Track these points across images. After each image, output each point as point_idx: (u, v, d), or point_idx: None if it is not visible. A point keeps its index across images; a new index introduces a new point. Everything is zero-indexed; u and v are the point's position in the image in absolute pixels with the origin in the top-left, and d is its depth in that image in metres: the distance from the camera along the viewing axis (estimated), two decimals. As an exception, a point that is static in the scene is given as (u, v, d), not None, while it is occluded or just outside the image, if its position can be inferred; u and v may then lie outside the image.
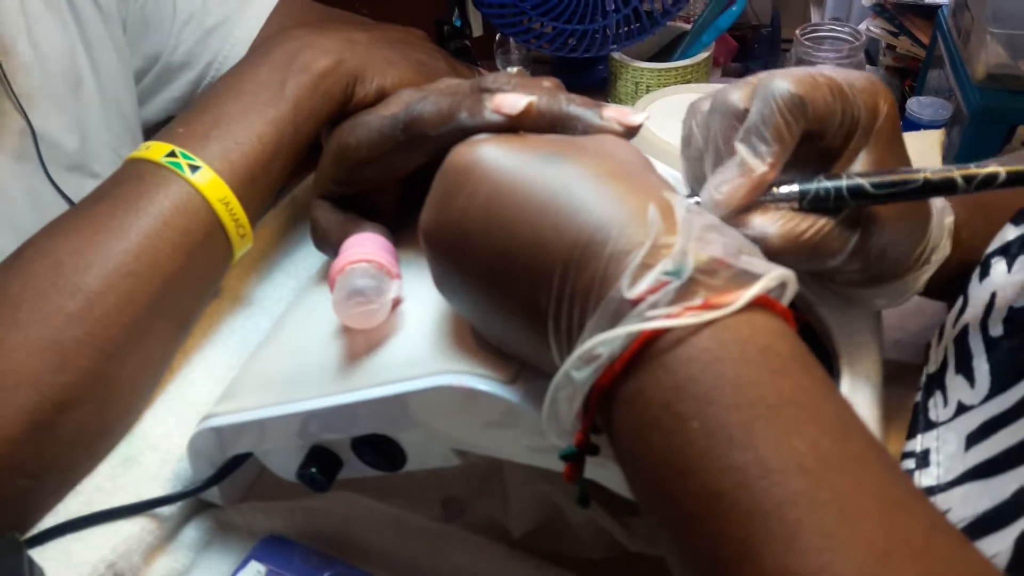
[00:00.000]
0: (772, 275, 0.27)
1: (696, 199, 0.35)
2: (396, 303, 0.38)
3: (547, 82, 0.38)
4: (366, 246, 0.39)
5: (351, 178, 0.42)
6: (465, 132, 0.35)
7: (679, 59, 0.78)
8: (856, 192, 0.34)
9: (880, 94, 0.35)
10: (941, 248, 0.39)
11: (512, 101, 0.35)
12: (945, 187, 0.33)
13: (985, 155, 0.62)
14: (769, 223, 0.34)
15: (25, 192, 0.58)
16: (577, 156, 0.30)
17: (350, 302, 0.37)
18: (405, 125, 0.38)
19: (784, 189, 0.34)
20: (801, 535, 0.23)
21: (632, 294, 0.26)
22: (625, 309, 0.26)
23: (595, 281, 0.28)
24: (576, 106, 0.35)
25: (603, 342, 0.27)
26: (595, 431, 0.29)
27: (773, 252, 0.33)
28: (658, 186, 0.30)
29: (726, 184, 0.34)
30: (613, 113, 0.35)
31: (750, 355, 0.26)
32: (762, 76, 0.35)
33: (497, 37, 0.84)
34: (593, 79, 0.85)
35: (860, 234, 0.35)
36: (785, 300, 0.28)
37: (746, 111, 0.34)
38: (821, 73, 0.34)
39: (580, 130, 0.35)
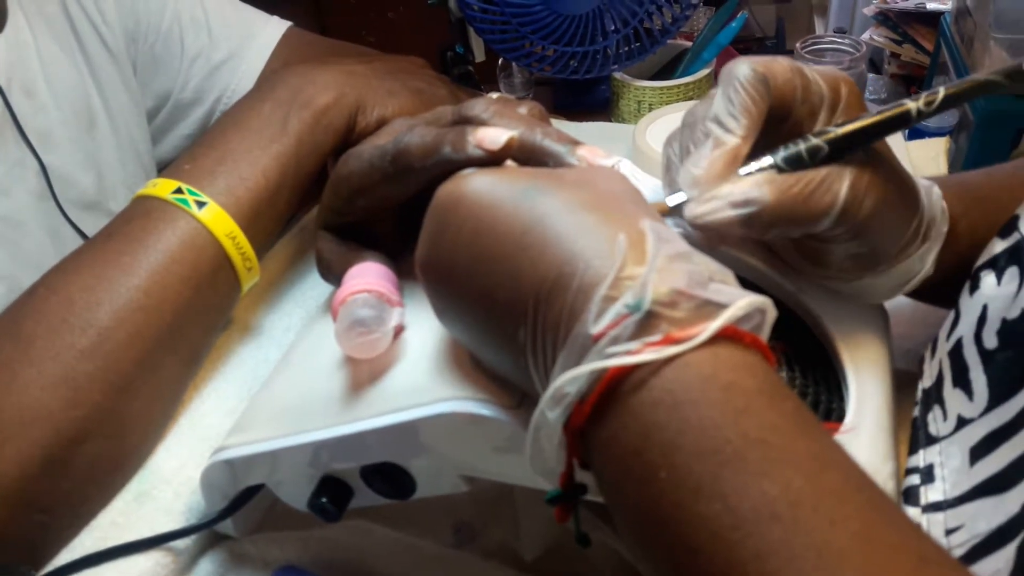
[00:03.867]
0: (740, 304, 0.26)
1: (677, 195, 0.35)
2: (399, 331, 0.39)
3: (524, 107, 0.38)
4: (367, 276, 0.40)
5: (346, 208, 0.42)
6: (450, 165, 0.36)
7: (681, 76, 0.78)
8: (832, 140, 0.35)
9: (839, 77, 0.36)
10: (938, 224, 0.39)
11: (493, 136, 0.35)
12: (902, 118, 0.35)
13: (994, 161, 0.62)
14: (756, 187, 0.34)
15: (46, 230, 0.59)
16: (555, 189, 0.30)
17: (352, 332, 0.37)
18: (393, 157, 0.39)
19: (759, 164, 0.35)
20: None
21: (595, 329, 0.26)
22: (589, 345, 0.26)
23: (563, 316, 0.27)
24: (550, 141, 0.36)
25: (569, 380, 0.26)
26: (583, 467, 0.28)
27: (770, 212, 0.33)
28: (635, 215, 0.29)
29: (702, 160, 0.34)
30: (585, 153, 0.35)
31: (713, 395, 0.25)
32: (722, 69, 0.36)
33: (500, 61, 0.84)
34: (596, 99, 0.85)
35: (849, 183, 0.35)
36: (764, 330, 0.27)
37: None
38: (779, 57, 0.36)
39: (551, 165, 0.35)
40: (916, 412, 0.40)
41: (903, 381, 0.42)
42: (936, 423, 0.38)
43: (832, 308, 0.42)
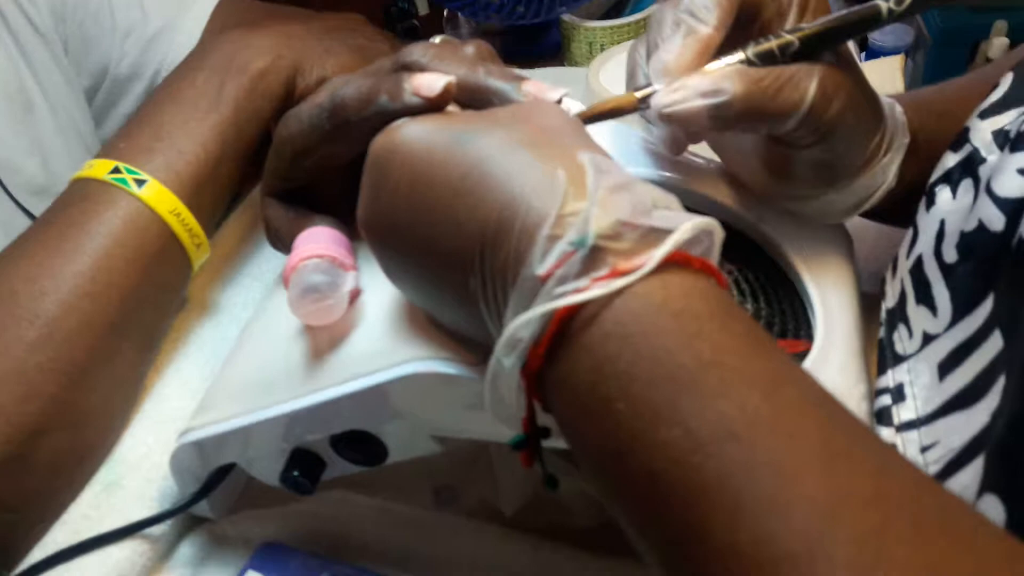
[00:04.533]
0: (684, 228, 0.25)
1: (646, 89, 0.35)
2: (355, 295, 0.38)
3: (470, 47, 0.37)
4: (318, 241, 0.39)
5: (291, 172, 0.41)
6: (387, 115, 0.34)
7: (631, 14, 0.77)
8: (804, 38, 0.35)
9: None
10: (899, 136, 0.39)
11: (429, 82, 0.34)
12: (873, 15, 0.35)
13: (952, 75, 0.62)
14: (726, 78, 0.33)
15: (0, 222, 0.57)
16: (490, 129, 0.29)
17: (305, 299, 0.36)
18: (330, 112, 0.37)
19: (729, 59, 0.35)
20: (744, 505, 0.22)
21: (542, 270, 0.25)
22: (537, 287, 0.25)
23: (509, 259, 0.26)
24: (495, 79, 0.34)
25: (521, 325, 0.25)
26: (547, 410, 0.28)
27: (738, 103, 0.33)
28: (572, 148, 0.28)
29: (673, 49, 0.33)
30: (531, 88, 0.34)
31: (664, 322, 0.24)
32: None
33: (445, 13, 0.82)
34: (547, 44, 0.84)
35: (817, 81, 0.34)
36: (713, 253, 0.26)
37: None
38: None
39: (498, 104, 0.34)
40: (882, 333, 0.40)
41: (870, 304, 0.42)
42: (902, 342, 0.38)
43: (795, 234, 0.42)
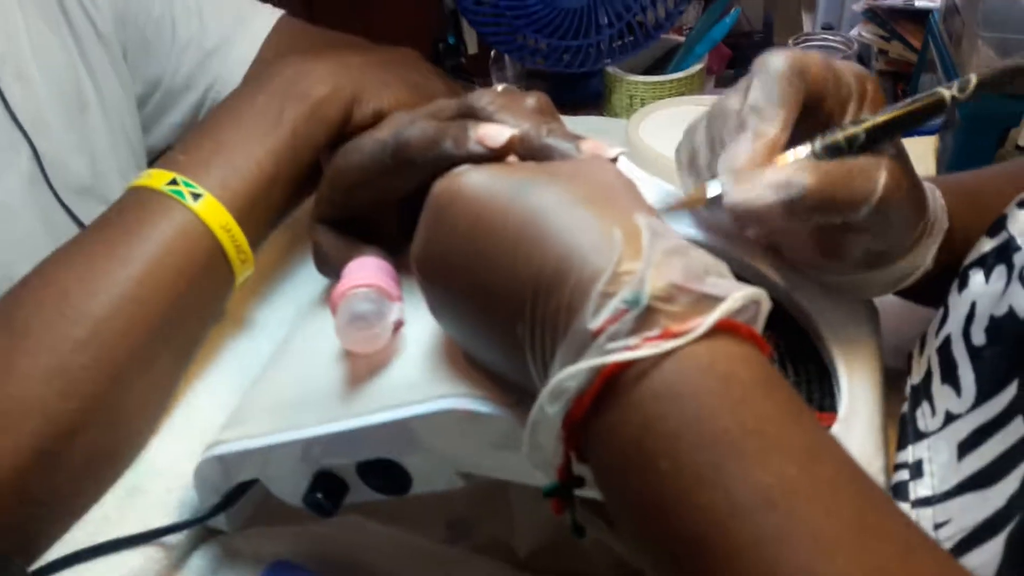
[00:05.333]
0: (735, 296, 0.26)
1: (715, 184, 0.35)
2: (398, 326, 0.39)
3: (532, 99, 0.38)
4: (367, 270, 0.39)
5: (346, 201, 0.42)
6: (450, 160, 0.35)
7: (673, 71, 0.78)
8: (870, 129, 0.36)
9: (864, 72, 0.37)
10: (940, 220, 0.40)
11: (495, 134, 0.35)
12: (937, 104, 0.36)
13: (980, 160, 0.63)
14: (798, 173, 0.34)
15: (39, 216, 0.59)
16: (550, 183, 0.30)
17: (352, 327, 0.37)
18: (393, 151, 0.38)
19: (796, 152, 0.36)
20: (778, 573, 0.22)
21: (594, 325, 0.26)
22: (588, 341, 0.26)
23: (562, 311, 0.27)
24: (555, 138, 0.35)
25: (569, 376, 0.26)
26: (581, 460, 0.29)
27: (811, 197, 0.34)
28: (629, 209, 0.29)
29: (742, 151, 0.34)
30: (590, 147, 0.35)
31: (712, 385, 0.25)
32: (755, 62, 0.36)
33: (492, 54, 0.84)
34: (588, 93, 0.85)
35: (887, 173, 0.35)
36: (759, 322, 0.27)
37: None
38: (809, 51, 0.36)
39: (557, 159, 0.35)
40: (905, 408, 0.41)
41: (892, 378, 0.43)
42: (925, 419, 0.38)
43: (824, 306, 0.42)
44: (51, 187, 0.59)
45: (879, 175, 0.35)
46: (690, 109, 0.70)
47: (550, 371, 0.27)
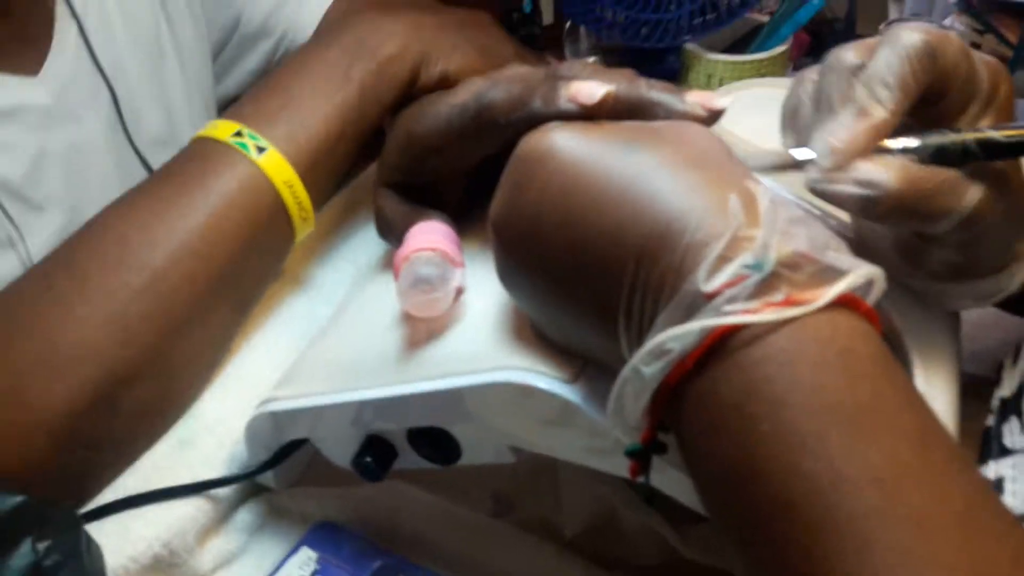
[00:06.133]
0: (860, 272, 0.26)
1: (805, 151, 0.33)
2: (459, 292, 0.38)
3: (623, 72, 0.36)
4: (432, 235, 0.39)
5: (418, 167, 0.41)
6: (537, 120, 0.34)
7: (755, 52, 0.75)
8: (986, 144, 0.32)
9: (1002, 72, 0.34)
10: None
11: (590, 89, 0.34)
12: None
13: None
14: (885, 169, 0.31)
15: (114, 163, 0.59)
16: (655, 144, 0.29)
17: (415, 290, 0.36)
18: (476, 113, 0.37)
19: (901, 142, 0.33)
20: (874, 551, 0.22)
21: (709, 287, 0.25)
22: (700, 303, 0.25)
23: (670, 273, 0.26)
24: (657, 91, 0.34)
25: (675, 337, 0.25)
26: (663, 429, 0.28)
27: (890, 200, 0.31)
28: (740, 175, 0.28)
29: (842, 129, 0.32)
30: (696, 98, 0.33)
31: (829, 358, 0.24)
32: (887, 30, 0.33)
33: (567, 26, 0.82)
34: (665, 70, 0.83)
35: (982, 194, 0.32)
36: (872, 299, 0.26)
37: (862, 67, 0.32)
38: (951, 33, 0.33)
39: (661, 116, 0.33)
40: (990, 421, 0.39)
41: (966, 383, 0.41)
42: (1012, 435, 0.36)
43: (904, 303, 0.40)
44: (128, 135, 0.59)
45: (971, 194, 0.32)
46: (770, 92, 0.67)
47: (646, 335, 0.27)
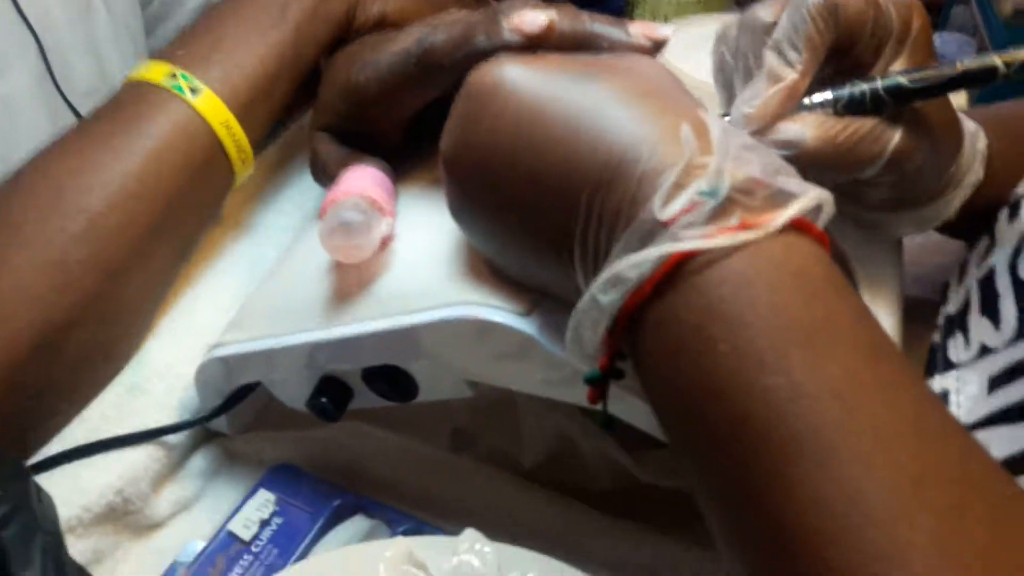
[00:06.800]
0: (811, 195, 0.26)
1: (726, 116, 0.34)
2: (386, 241, 0.38)
3: (565, 7, 0.36)
4: (361, 180, 0.38)
5: (359, 115, 0.41)
6: (482, 56, 0.34)
7: (698, -12, 0.75)
8: (893, 90, 0.33)
9: (913, 7, 0.34)
10: (974, 171, 0.39)
11: (532, 18, 0.34)
12: (985, 74, 0.33)
13: (1013, 94, 0.60)
14: (804, 127, 0.32)
15: (45, 114, 0.57)
16: (607, 75, 0.29)
17: (336, 234, 0.36)
18: (418, 58, 0.37)
19: (817, 98, 0.33)
20: (834, 461, 0.22)
21: (664, 215, 0.25)
22: (657, 230, 0.26)
23: (625, 202, 0.27)
24: (600, 24, 0.34)
25: (632, 264, 0.26)
26: (620, 357, 0.28)
27: (809, 157, 0.32)
28: (691, 105, 0.29)
29: (756, 97, 0.32)
30: (639, 28, 0.34)
31: (784, 279, 0.25)
32: None
33: (509, -35, 0.81)
34: (609, 9, 0.82)
35: (899, 138, 0.33)
36: (821, 222, 0.27)
37: (775, 25, 0.33)
38: None
39: (606, 48, 0.34)
40: (936, 337, 0.40)
41: (909, 306, 0.42)
42: (956, 349, 0.38)
43: (845, 231, 0.41)
44: (57, 86, 0.57)
45: (891, 138, 0.33)
46: (714, 28, 0.67)
47: (603, 264, 0.27)
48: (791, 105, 0.33)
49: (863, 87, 0.33)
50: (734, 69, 0.35)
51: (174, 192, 0.42)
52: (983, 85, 0.33)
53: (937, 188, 0.38)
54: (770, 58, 0.33)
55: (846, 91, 0.33)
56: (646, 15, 0.75)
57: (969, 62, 0.33)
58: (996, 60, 0.32)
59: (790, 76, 0.32)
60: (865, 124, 0.33)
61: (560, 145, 0.28)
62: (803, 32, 0.32)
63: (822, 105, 0.33)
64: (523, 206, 0.30)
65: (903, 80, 0.33)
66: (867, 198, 0.38)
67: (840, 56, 0.34)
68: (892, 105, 0.33)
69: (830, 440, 0.23)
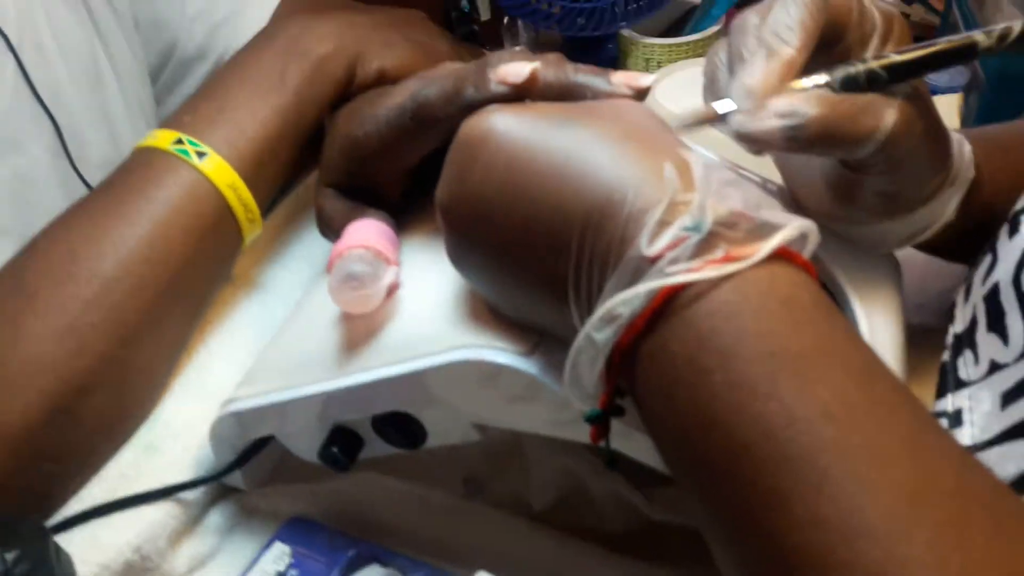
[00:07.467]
0: (793, 225, 0.27)
1: (725, 102, 0.34)
2: (393, 289, 0.39)
3: (551, 56, 0.38)
4: (366, 232, 0.40)
5: (359, 170, 0.42)
6: (473, 107, 0.35)
7: (690, 33, 0.77)
8: (889, 66, 0.34)
9: (893, 11, 0.36)
10: (965, 171, 0.39)
11: (516, 69, 0.35)
12: (967, 49, 0.34)
13: (1006, 119, 0.61)
14: (803, 102, 0.33)
15: (61, 189, 0.59)
16: (590, 120, 0.30)
17: (344, 286, 0.37)
18: (413, 112, 0.39)
19: (812, 80, 0.34)
20: (831, 481, 0.23)
21: (651, 251, 0.26)
22: (645, 267, 0.26)
23: (614, 242, 0.27)
24: (584, 74, 0.35)
25: (623, 301, 0.26)
26: (619, 394, 0.29)
27: (812, 130, 0.33)
28: (674, 144, 0.30)
29: (756, 70, 0.33)
30: (622, 78, 0.35)
31: (772, 306, 0.26)
32: None
33: (505, 20, 0.83)
34: (603, 57, 0.84)
35: (897, 113, 0.34)
36: (807, 251, 0.28)
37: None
38: None
39: (589, 97, 0.35)
40: (946, 357, 0.40)
41: (914, 333, 0.42)
42: (967, 368, 0.38)
43: (846, 259, 0.41)
44: (72, 162, 0.59)
45: (889, 114, 0.34)
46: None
47: (596, 303, 0.28)
48: (789, 80, 0.33)
49: (859, 65, 0.34)
50: (727, 74, 0.36)
51: (184, 255, 0.43)
52: (969, 59, 0.35)
53: (930, 188, 0.38)
54: (767, 36, 0.33)
55: (842, 69, 0.34)
56: (639, 62, 0.77)
57: (953, 37, 0.34)
58: (976, 36, 0.34)
59: (787, 51, 0.33)
60: (867, 97, 0.34)
61: (548, 190, 0.29)
62: (795, 15, 0.33)
63: (817, 87, 0.34)
64: (518, 250, 0.31)
65: (895, 56, 0.34)
66: (863, 194, 0.38)
67: (829, 48, 0.35)
68: (887, 81, 0.34)
69: (825, 461, 0.23)
